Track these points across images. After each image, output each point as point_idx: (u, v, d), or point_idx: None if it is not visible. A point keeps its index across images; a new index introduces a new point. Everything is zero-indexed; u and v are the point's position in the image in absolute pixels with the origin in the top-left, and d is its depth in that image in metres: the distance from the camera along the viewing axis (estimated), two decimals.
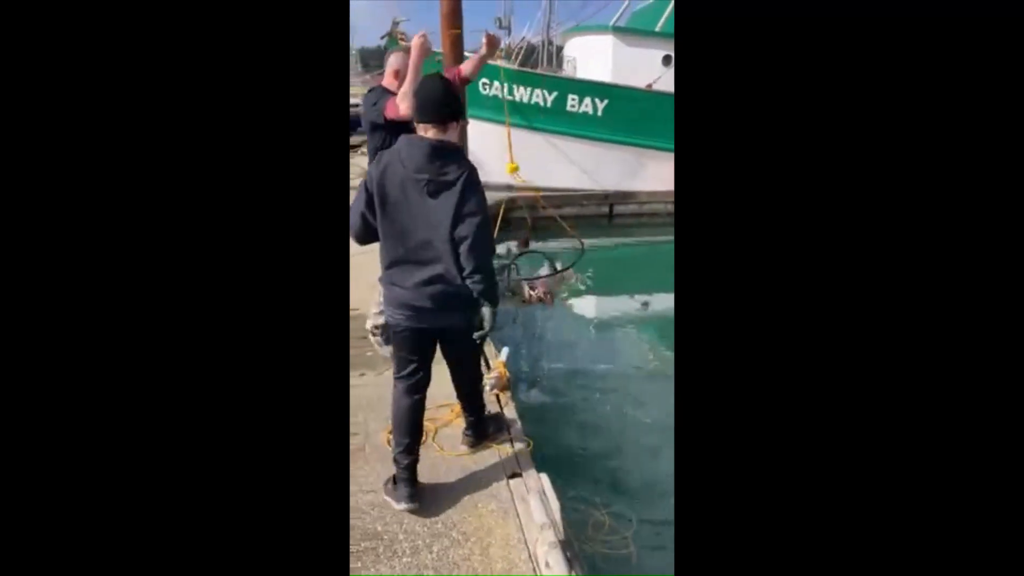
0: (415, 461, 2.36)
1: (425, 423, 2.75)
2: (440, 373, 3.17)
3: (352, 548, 2.16)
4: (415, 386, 2.37)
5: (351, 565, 2.08)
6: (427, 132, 2.14)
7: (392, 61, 2.95)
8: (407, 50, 2.79)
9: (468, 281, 2.15)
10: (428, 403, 2.53)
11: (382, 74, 3.07)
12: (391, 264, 2.22)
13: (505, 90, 10.09)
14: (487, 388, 3.18)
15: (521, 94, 9.93)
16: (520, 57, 10.44)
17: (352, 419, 2.90)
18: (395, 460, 2.36)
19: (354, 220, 2.24)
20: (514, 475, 2.53)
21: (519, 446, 2.73)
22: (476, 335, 2.27)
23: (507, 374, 3.25)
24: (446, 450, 2.72)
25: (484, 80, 10.08)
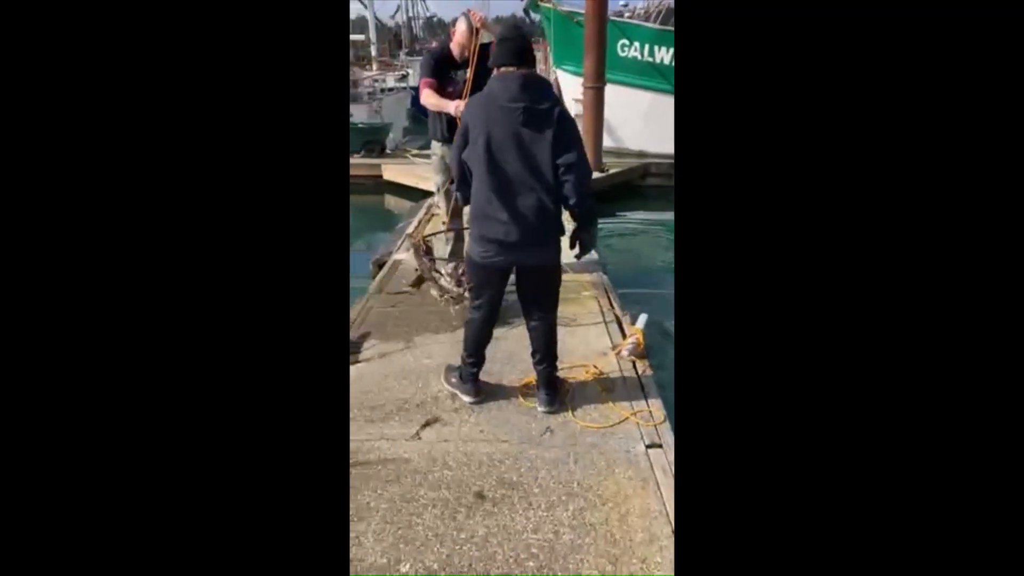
0: (480, 364, 2.72)
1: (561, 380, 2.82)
2: (575, 335, 3.05)
3: (488, 493, 2.17)
4: (487, 313, 2.59)
5: (491, 509, 2.09)
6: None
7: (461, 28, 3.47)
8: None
9: (573, 203, 2.33)
10: (565, 363, 2.90)
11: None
12: (487, 199, 2.31)
13: (646, 51, 9.64)
14: (624, 354, 3.07)
15: (662, 55, 9.44)
16: (661, 16, 9.88)
17: (489, 368, 2.93)
18: (463, 362, 2.71)
19: (454, 168, 2.43)
20: (653, 445, 2.42)
21: (658, 416, 2.61)
22: (576, 253, 2.55)
23: (644, 342, 3.11)
24: (580, 418, 2.65)
25: (623, 41, 9.69)
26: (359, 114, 11.84)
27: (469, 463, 2.36)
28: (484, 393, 2.74)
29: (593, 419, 2.62)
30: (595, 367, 3.00)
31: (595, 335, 3.37)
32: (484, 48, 3.28)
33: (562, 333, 3.34)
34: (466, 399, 2.72)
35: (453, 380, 2.78)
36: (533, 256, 2.41)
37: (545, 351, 2.63)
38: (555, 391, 2.69)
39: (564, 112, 2.29)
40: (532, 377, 2.93)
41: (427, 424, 2.62)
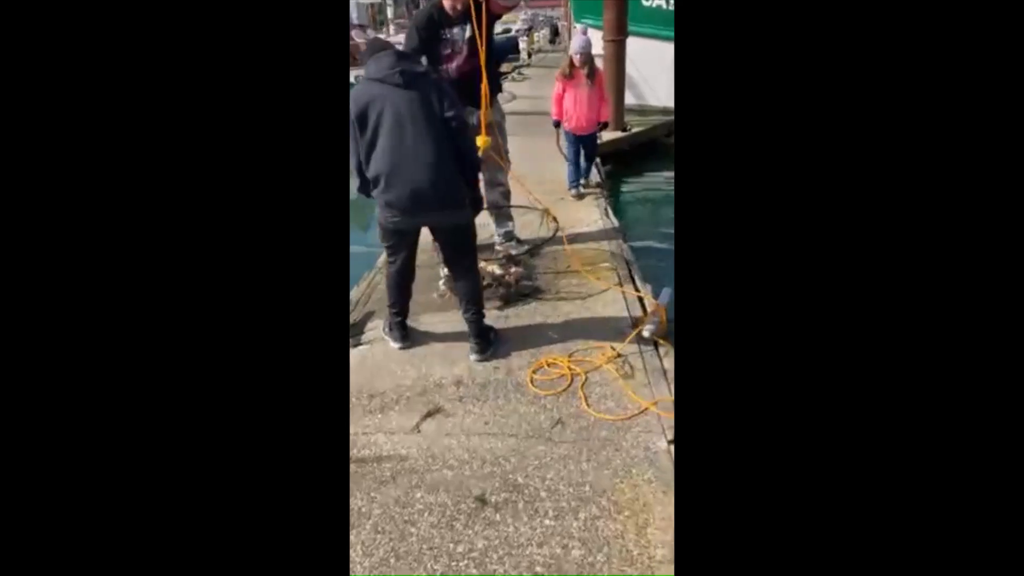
0: (404, 313, 2.91)
1: (572, 367, 2.65)
2: (590, 310, 2.79)
3: (491, 497, 1.96)
4: (401, 267, 2.74)
5: (493, 516, 1.88)
6: None
7: None
8: None
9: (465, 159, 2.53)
10: (579, 344, 2.84)
11: None
12: (389, 169, 2.43)
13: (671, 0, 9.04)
14: (645, 334, 2.81)
15: None
16: None
17: (496, 352, 2.80)
18: (388, 311, 2.90)
19: (353, 163, 2.49)
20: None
21: None
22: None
23: (667, 321, 2.84)
24: (594, 407, 2.42)
25: None
26: None
27: (471, 461, 2.15)
28: (410, 340, 2.92)
29: (608, 409, 2.38)
30: (612, 349, 2.74)
31: (613, 312, 3.10)
32: None
33: (576, 310, 3.13)
34: (393, 345, 2.90)
35: (385, 329, 2.98)
36: (437, 217, 2.54)
37: (469, 300, 2.75)
38: (486, 340, 2.80)
39: (438, 79, 2.60)
40: (543, 360, 2.70)
41: (428, 415, 2.42)
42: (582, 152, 4.81)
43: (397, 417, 2.41)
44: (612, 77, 7.11)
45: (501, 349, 2.82)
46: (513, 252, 3.77)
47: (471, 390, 2.55)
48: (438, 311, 3.22)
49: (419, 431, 2.33)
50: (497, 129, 3.53)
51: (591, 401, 2.43)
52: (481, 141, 3.29)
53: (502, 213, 3.90)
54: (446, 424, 2.36)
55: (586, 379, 2.57)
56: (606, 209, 4.61)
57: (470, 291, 2.74)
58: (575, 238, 4.03)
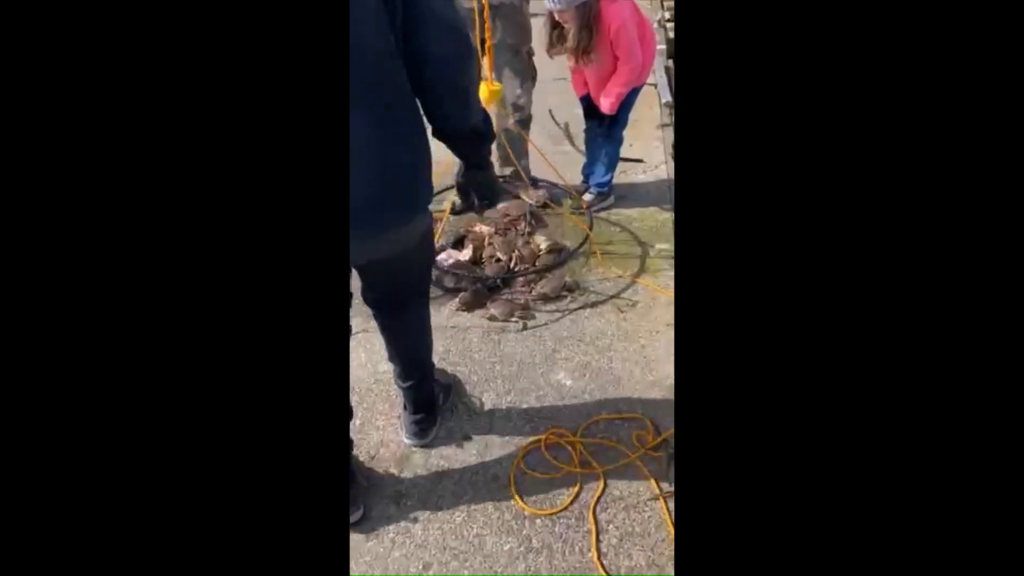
0: None
1: (584, 457, 1.57)
2: (630, 359, 1.68)
3: None
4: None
5: None
6: None
7: None
8: None
9: (448, 124, 1.26)
10: (605, 403, 1.81)
11: None
12: None
13: None
14: None
15: None
16: None
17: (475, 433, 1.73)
18: None
19: None
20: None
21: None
22: (479, 204, 1.42)
23: None
24: (611, 566, 1.44)
25: None
26: None
27: None
28: None
29: (635, 568, 1.40)
30: (652, 426, 1.72)
31: (669, 341, 2.04)
32: None
33: (611, 333, 2.01)
34: None
35: None
36: (376, 246, 1.28)
37: (412, 363, 1.63)
38: (431, 415, 1.69)
39: None
40: (542, 437, 1.70)
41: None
42: (604, 137, 2.80)
43: None
44: None
45: (483, 408, 1.82)
46: (535, 204, 2.65)
47: (414, 489, 1.59)
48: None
49: None
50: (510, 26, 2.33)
51: (608, 545, 1.45)
52: (487, 91, 2.15)
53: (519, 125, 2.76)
54: (379, 553, 1.43)
55: (604, 489, 1.57)
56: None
57: (414, 347, 1.62)
58: (628, 194, 2.88)
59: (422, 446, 1.68)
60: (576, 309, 2.20)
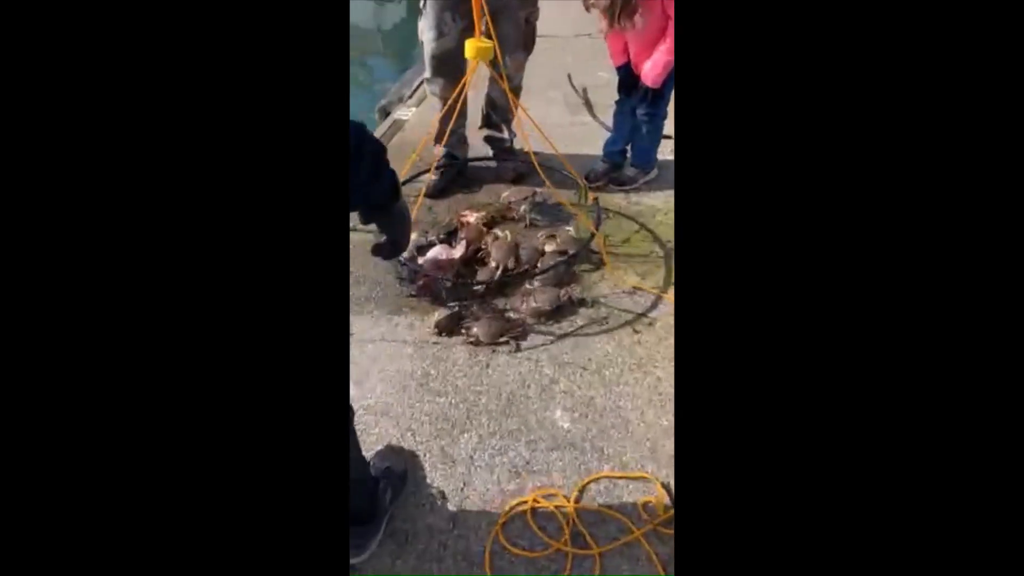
0: None
1: (577, 527, 1.29)
2: (643, 393, 1.30)
3: None
4: None
5: None
6: None
7: None
8: None
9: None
10: (608, 455, 1.51)
11: None
12: None
13: None
14: None
15: None
16: None
17: (453, 454, 1.39)
18: None
19: None
20: None
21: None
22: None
23: None
24: None
25: None
26: None
27: None
28: None
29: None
30: (664, 490, 1.42)
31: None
32: None
33: (620, 359, 1.64)
34: None
35: None
36: None
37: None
38: (370, 531, 1.32)
39: None
40: (530, 496, 1.41)
41: None
42: (647, 115, 2.39)
43: None
44: None
45: (460, 452, 1.53)
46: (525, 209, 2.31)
47: (368, 565, 1.31)
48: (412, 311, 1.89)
49: None
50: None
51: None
52: (473, 48, 1.81)
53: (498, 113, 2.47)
54: None
55: (601, 568, 1.28)
56: None
57: None
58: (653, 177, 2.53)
59: (360, 563, 1.29)
60: (582, 328, 1.87)
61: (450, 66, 2.19)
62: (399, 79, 4.24)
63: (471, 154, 2.61)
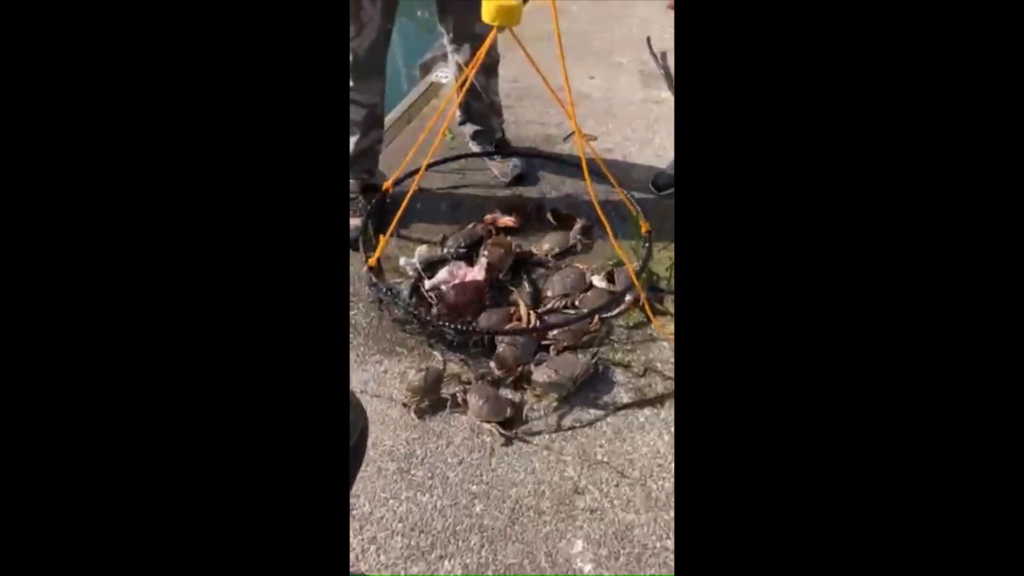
0: None
1: None
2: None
3: None
4: None
5: None
6: None
7: None
8: None
9: None
10: None
11: None
12: None
13: None
14: None
15: None
16: None
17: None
18: None
19: None
20: None
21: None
22: None
23: None
24: None
25: None
26: None
27: None
28: None
29: None
30: None
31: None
32: None
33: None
34: None
35: None
36: None
37: None
38: None
39: None
40: None
41: None
42: None
43: None
44: None
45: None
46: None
47: None
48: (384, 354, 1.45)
49: None
50: None
51: None
52: (493, 10, 1.33)
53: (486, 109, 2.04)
54: None
55: None
56: None
57: None
58: None
59: None
60: (623, 409, 1.38)
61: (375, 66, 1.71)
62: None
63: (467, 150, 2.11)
